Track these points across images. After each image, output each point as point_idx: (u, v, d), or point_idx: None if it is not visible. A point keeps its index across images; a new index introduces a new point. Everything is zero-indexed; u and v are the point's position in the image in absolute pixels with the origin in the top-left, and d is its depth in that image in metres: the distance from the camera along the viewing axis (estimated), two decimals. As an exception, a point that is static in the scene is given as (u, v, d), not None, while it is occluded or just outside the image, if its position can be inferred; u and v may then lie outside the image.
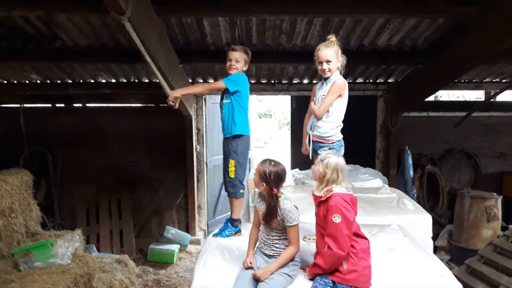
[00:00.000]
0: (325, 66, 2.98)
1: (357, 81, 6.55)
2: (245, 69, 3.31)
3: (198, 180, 6.69)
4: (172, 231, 6.21)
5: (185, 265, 5.72)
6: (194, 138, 6.58)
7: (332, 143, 3.00)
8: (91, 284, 3.82)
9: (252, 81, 6.45)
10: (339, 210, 2.33)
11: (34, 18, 4.44)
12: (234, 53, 3.26)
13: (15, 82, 6.28)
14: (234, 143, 3.25)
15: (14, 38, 4.89)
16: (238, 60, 3.26)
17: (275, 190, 2.48)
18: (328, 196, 2.41)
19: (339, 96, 3.00)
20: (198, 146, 6.64)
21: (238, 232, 3.29)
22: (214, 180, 6.97)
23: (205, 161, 6.72)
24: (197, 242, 6.45)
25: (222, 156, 7.23)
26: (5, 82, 6.29)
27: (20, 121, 6.12)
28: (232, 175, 3.24)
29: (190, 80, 6.24)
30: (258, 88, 6.57)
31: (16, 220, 4.43)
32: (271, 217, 2.48)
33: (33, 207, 4.79)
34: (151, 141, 6.65)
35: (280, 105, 22.82)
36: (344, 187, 2.45)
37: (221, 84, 3.22)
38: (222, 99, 3.34)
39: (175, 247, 6.00)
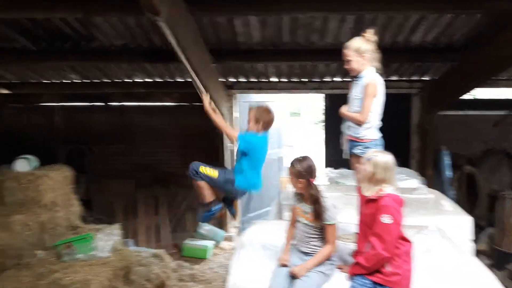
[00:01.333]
0: (346, 65, 2.97)
1: (391, 78, 6.44)
2: (260, 127, 3.18)
3: (230, 178, 6.75)
4: (206, 227, 6.32)
5: (218, 261, 5.80)
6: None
7: (365, 142, 2.96)
8: (129, 277, 3.94)
9: (283, 80, 6.47)
10: (390, 211, 2.30)
11: (72, 19, 4.59)
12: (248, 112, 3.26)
13: (55, 81, 6.53)
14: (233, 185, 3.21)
15: (53, 39, 5.06)
16: (249, 120, 3.23)
17: (311, 180, 2.50)
18: (379, 195, 2.38)
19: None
20: (231, 144, 6.70)
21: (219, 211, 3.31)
22: (246, 178, 7.01)
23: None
24: (230, 239, 6.54)
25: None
26: (46, 81, 6.56)
27: (60, 119, 6.39)
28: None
29: (223, 80, 6.31)
30: (289, 87, 6.56)
31: (58, 214, 4.64)
32: (320, 211, 2.45)
33: (74, 202, 4.99)
34: (184, 139, 6.78)
35: (310, 103, 22.61)
36: (394, 188, 2.42)
37: (235, 135, 3.19)
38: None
39: (209, 243, 6.10)
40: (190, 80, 5.24)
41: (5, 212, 4.40)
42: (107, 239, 4.14)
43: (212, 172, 3.17)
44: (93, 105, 6.87)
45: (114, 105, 6.88)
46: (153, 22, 3.33)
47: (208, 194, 3.24)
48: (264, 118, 3.19)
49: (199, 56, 4.75)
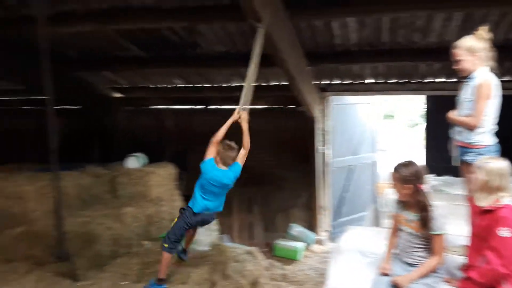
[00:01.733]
0: (456, 65, 2.80)
1: (503, 79, 5.85)
2: (218, 160, 3.49)
3: (322, 181, 6.72)
4: (296, 229, 6.35)
5: (309, 263, 5.76)
6: (319, 138, 6.63)
7: (478, 148, 2.74)
8: (226, 272, 4.09)
9: (380, 81, 6.25)
10: (510, 224, 2.13)
11: (179, 28, 4.91)
12: None
13: (161, 86, 7.07)
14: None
15: (161, 46, 5.45)
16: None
17: (420, 186, 2.39)
18: (496, 206, 2.22)
19: None
20: (322, 147, 6.66)
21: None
22: (338, 182, 6.92)
23: (329, 162, 6.71)
24: (321, 242, 6.49)
25: (347, 157, 7.14)
26: (152, 86, 7.13)
27: (165, 121, 6.93)
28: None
29: (317, 82, 6.29)
30: (386, 88, 6.31)
31: (163, 208, 5.01)
32: (427, 220, 2.35)
33: (177, 197, 5.35)
34: (277, 141, 6.89)
35: (404, 105, 21.52)
36: None
37: (209, 156, 3.50)
38: None
39: (300, 245, 6.10)
40: (287, 83, 5.35)
41: (118, 205, 4.87)
42: (206, 234, 4.37)
43: (175, 219, 3.61)
44: (194, 108, 7.31)
45: (214, 108, 7.24)
46: (253, 28, 3.45)
47: (166, 270, 3.56)
48: (221, 154, 3.48)
49: (296, 60, 4.81)
